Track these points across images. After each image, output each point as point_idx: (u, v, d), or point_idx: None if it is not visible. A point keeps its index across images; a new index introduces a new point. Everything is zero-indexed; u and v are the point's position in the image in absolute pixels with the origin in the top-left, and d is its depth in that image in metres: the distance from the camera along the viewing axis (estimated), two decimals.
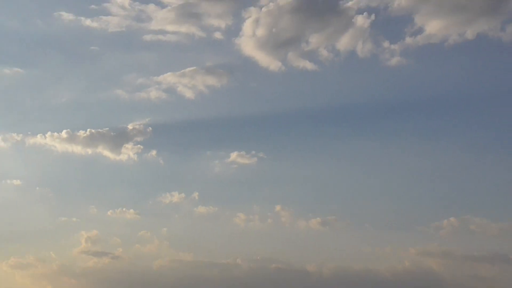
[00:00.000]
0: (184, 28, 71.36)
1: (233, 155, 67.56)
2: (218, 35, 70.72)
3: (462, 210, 61.94)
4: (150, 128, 70.59)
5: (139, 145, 70.34)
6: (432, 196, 65.08)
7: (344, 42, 67.24)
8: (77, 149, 70.17)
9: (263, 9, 68.49)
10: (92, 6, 74.72)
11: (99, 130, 71.25)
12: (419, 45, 66.54)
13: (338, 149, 69.18)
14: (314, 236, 66.98)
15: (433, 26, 65.69)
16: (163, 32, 71.93)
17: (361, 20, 66.84)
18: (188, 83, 70.83)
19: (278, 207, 64.55)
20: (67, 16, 73.18)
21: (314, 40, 68.51)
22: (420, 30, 66.17)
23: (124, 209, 66.60)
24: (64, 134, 69.73)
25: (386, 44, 67.08)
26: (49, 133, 69.29)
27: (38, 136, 69.29)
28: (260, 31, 68.22)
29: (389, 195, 66.34)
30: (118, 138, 71.00)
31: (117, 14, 72.56)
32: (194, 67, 71.04)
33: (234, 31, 70.81)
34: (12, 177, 68.82)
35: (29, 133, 69.37)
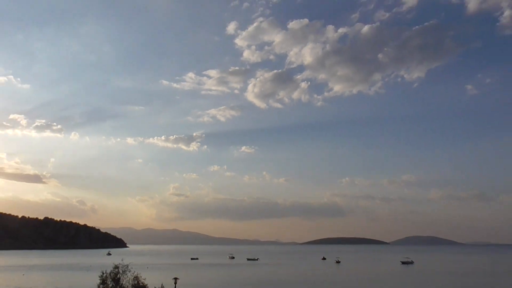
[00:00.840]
0: (220, 88, 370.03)
1: (243, 148, 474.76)
2: (236, 91, 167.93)
3: (351, 174, 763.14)
4: (204, 135, 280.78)
5: (198, 143, 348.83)
6: (337, 167, 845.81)
7: (295, 95, 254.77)
8: (169, 145, 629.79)
9: (257, 79, 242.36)
10: (177, 77, 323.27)
11: (180, 136, 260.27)
12: (330, 96, 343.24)
13: (293, 145, 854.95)
14: (281, 187, 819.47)
15: (337, 87, 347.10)
16: (210, 89, 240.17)
17: (303, 85, 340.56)
18: (222, 114, 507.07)
19: (264, 173, 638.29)
20: (165, 82, 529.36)
21: (281, 93, 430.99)
22: (331, 89, 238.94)
23: (191, 173, 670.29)
24: (162, 137, 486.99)
25: (315, 95, 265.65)
26: (156, 137, 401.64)
27: (150, 138, 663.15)
28: (256, 89, 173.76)
29: (316, 166, 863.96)
30: (189, 140, 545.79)
31: (189, 81, 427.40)
32: (225, 106, 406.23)
33: (244, 89, 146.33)
34: (137, 157, 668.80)
35: (146, 137, 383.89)
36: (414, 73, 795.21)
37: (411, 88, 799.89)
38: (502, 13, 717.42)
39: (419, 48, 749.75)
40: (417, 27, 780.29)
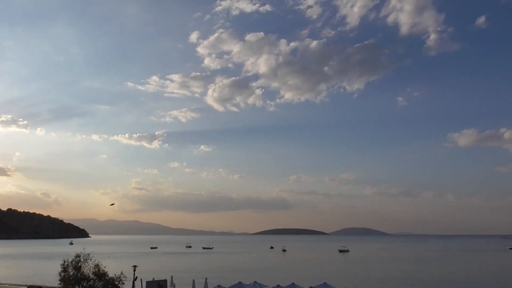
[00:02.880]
0: (182, 91, 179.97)
1: (202, 147, 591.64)
2: (197, 95, 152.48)
3: (297, 172, 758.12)
4: (165, 134, 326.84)
5: (160, 141, 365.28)
6: (285, 166, 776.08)
7: (251, 100, 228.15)
8: (132, 142, 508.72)
9: (217, 85, 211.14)
10: (142, 80, 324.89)
11: (143, 134, 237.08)
12: (282, 103, 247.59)
13: (247, 145, 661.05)
14: (236, 182, 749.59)
15: (288, 95, 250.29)
16: (173, 92, 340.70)
17: (258, 91, 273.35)
18: (183, 116, 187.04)
19: (220, 169, 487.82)
20: (130, 84, 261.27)
21: (238, 98, 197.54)
22: (282, 96, 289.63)
23: (152, 169, 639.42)
24: (126, 135, 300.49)
25: (268, 101, 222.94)
26: (120, 135, 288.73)
27: (115, 136, 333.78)
28: (215, 94, 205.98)
29: (267, 165, 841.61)
30: (151, 138, 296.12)
31: (153, 84, 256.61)
32: (186, 108, 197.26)
33: (204, 93, 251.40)
34: (102, 153, 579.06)
35: (110, 134, 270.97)
36: (355, 85, 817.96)
37: (351, 98, 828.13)
38: (429, 36, 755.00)
39: (359, 63, 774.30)
40: (358, 44, 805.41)
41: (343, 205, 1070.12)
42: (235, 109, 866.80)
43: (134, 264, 45.94)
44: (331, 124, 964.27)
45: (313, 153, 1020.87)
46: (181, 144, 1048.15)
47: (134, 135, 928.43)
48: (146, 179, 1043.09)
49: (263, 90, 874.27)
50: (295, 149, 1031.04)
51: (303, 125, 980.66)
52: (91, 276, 35.98)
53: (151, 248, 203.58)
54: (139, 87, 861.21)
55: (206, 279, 41.14)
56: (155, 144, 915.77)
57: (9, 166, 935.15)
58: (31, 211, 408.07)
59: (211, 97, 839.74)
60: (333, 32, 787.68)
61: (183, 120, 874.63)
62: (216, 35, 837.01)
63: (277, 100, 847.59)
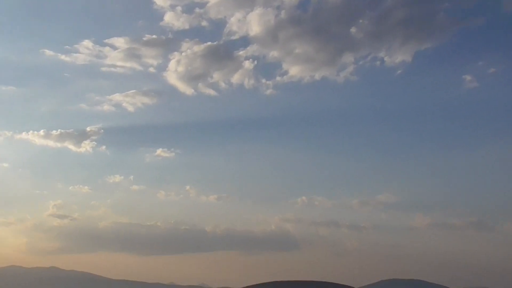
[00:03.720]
0: (129, 64, 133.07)
1: (158, 151, 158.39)
2: (152, 69, 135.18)
3: (309, 191, 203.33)
4: (102, 130, 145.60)
5: (94, 142, 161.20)
6: (291, 181, 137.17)
7: (236, 78, 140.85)
8: (51, 143, 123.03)
9: (183, 54, 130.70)
10: (67, 46, 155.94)
11: (67, 130, 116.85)
12: (285, 82, 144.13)
13: (230, 148, 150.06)
14: (211, 207, 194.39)
15: (294, 70, 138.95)
16: (114, 66, 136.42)
17: (247, 64, 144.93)
18: (130, 101, 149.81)
19: (188, 187, 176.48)
20: (49, 52, 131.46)
21: (216, 76, 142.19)
22: (286, 73, 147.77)
23: (80, 186, 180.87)
24: (42, 132, 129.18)
25: (263, 80, 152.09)
26: (31, 131, 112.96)
27: (23, 133, 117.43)
28: (181, 68, 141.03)
29: (261, 179, 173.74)
30: (79, 137, 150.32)
31: (84, 52, 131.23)
32: (135, 90, 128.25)
33: (162, 67, 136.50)
34: (1, 160, 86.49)
35: (17, 131, 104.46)
36: (397, 56, 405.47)
37: (392, 75, 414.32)
38: None
39: (404, 23, 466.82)
40: None
41: (380, 243, 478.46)
42: (211, 91, 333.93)
43: None
44: (361, 115, 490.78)
45: (333, 161, 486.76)
46: (126, 146, 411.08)
47: (54, 131, 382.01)
48: (71, 201, 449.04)
49: (255, 62, 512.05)
50: (305, 155, 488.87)
51: (318, 117, 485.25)
52: None
53: None
54: (62, 56, 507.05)
55: None
56: (86, 146, 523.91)
57: None
58: None
59: (174, 73, 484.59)
60: None
61: (130, 108, 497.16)
62: None
63: (278, 78, 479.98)
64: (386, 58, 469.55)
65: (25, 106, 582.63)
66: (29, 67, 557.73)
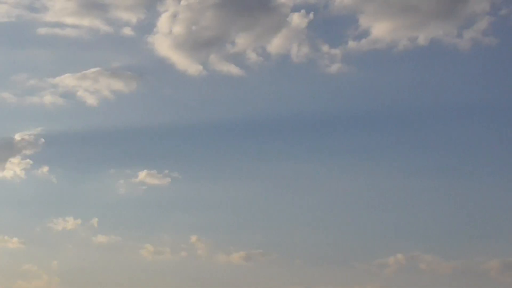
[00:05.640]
0: (86, 21, 52.56)
1: (142, 174, 49.06)
2: (127, 30, 52.42)
3: (410, 246, 43.27)
4: (42, 139, 48.48)
5: (28, 160, 48.04)
6: (376, 228, 45.86)
7: (276, 44, 51.12)
8: None
9: (182, 2, 50.73)
10: None
11: None
12: (363, 51, 50.47)
13: (266, 169, 48.78)
14: (236, 273, 45.92)
15: (380, 29, 50.00)
16: (61, 25, 52.82)
17: (297, 19, 50.47)
18: (90, 87, 52.04)
19: (194, 238, 45.39)
20: None
21: (241, 41, 51.53)
22: (365, 33, 50.53)
23: (5, 237, 45.98)
24: None
25: (325, 48, 50.97)
26: None
27: None
28: (178, 28, 51.71)
29: (325, 226, 44.18)
30: (2, 151, 49.29)
31: (6, 1, 52.41)
32: (98, 68, 51.65)
33: (146, 27, 53.15)
34: None
35: None
36: None
37: None
38: None
39: None
40: None
41: None
42: (232, 68, 61.10)
43: None
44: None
45: (460, 190, 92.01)
46: (86, 167, 74.00)
47: None
48: None
49: (310, 16, 64.17)
50: (405, 179, 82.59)
51: (418, 110, 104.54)
52: None
53: None
54: None
55: None
56: (14, 167, 61.09)
57: None
58: None
59: (166, 37, 62.12)
60: None
61: (91, 100, 66.60)
62: None
63: (351, 44, 60.16)
64: None
65: None
66: None
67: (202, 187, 51.93)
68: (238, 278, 49.03)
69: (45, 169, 50.03)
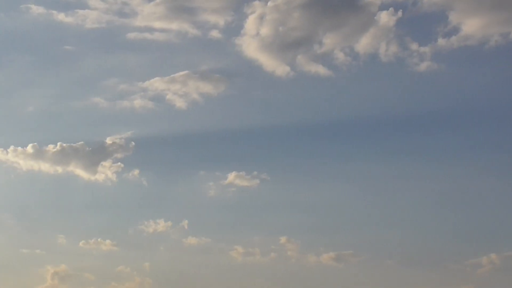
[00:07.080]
0: (175, 25, 53.04)
1: (231, 176, 48.95)
2: (215, 33, 52.41)
3: (505, 245, 40.36)
4: (133, 143, 51.30)
5: (119, 163, 49.96)
6: (468, 227, 41.87)
7: (364, 44, 50.38)
8: (45, 166, 45.12)
9: (269, 4, 50.25)
10: None
11: (72, 144, 48.38)
12: (453, 48, 48.12)
13: (355, 170, 45.76)
14: (326, 274, 46.64)
15: (471, 25, 48.01)
16: (150, 29, 53.78)
17: (385, 18, 49.65)
18: (179, 90, 52.43)
19: (283, 239, 45.44)
20: (36, 9, 52.35)
21: (329, 41, 50.74)
22: (456, 30, 48.78)
23: (99, 240, 47.30)
24: (29, 148, 47.01)
25: (414, 46, 49.32)
26: (12, 147, 46.02)
27: None
28: (265, 30, 51.38)
29: (415, 226, 44.76)
30: (95, 155, 48.75)
31: (96, 7, 53.43)
32: (186, 71, 51.31)
33: (234, 29, 53.22)
34: None
35: None
36: None
37: None
38: None
39: None
40: None
41: None
42: (320, 68, 61.93)
43: None
44: None
45: None
46: (176, 171, 76.82)
47: (46, 147, 60.76)
48: (82, 266, 72.44)
49: (399, 14, 57.70)
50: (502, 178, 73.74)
51: None
52: None
53: None
54: (60, 16, 71.01)
55: None
56: (106, 171, 60.76)
57: None
58: None
59: (253, 39, 61.13)
60: None
61: (180, 103, 64.31)
62: None
63: (440, 42, 55.53)
64: None
65: None
66: (2, 36, 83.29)
67: (291, 188, 50.70)
68: (328, 279, 47.54)
69: (136, 172, 49.83)
